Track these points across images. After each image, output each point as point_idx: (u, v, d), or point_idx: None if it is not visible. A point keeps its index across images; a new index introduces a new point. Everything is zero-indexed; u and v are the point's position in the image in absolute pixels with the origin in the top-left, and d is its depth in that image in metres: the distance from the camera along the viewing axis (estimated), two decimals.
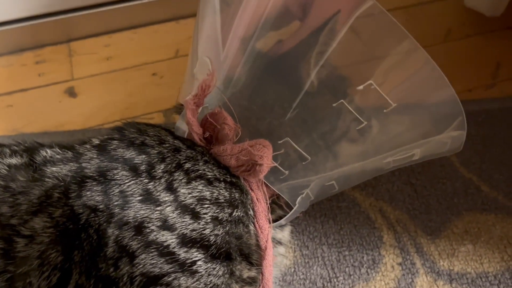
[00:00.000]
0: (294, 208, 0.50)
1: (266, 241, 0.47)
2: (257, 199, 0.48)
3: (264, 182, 0.49)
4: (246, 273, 0.45)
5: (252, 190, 0.48)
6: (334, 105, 0.44)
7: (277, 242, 0.53)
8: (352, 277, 0.61)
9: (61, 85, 0.82)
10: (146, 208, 0.42)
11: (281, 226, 0.54)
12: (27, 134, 0.74)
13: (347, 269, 0.61)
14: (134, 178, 0.44)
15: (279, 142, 0.46)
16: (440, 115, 0.47)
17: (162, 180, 0.44)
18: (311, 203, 0.52)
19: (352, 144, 0.49)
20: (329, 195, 0.54)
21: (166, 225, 0.42)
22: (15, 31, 0.85)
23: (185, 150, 0.46)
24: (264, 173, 0.44)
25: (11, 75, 0.84)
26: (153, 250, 0.41)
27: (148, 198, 0.43)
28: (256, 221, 0.47)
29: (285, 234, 0.54)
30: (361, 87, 0.43)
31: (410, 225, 0.66)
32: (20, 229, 0.41)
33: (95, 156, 0.46)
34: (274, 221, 0.51)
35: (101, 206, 0.42)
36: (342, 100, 0.44)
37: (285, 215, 0.51)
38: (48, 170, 0.45)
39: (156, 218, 0.42)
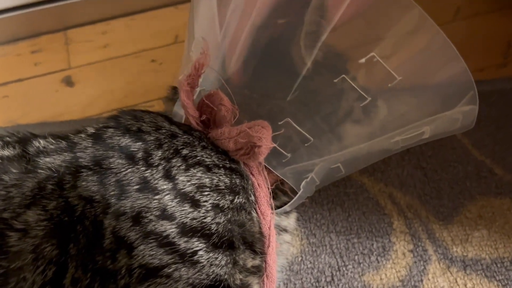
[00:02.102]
0: (299, 193, 0.48)
1: (268, 227, 0.45)
2: (258, 185, 0.46)
3: (267, 167, 0.46)
4: (250, 262, 0.43)
5: (252, 175, 0.46)
6: (335, 80, 0.42)
7: (282, 229, 0.51)
8: (361, 265, 0.58)
9: (58, 74, 0.80)
10: (144, 197, 0.40)
11: (287, 213, 0.52)
12: (23, 125, 0.72)
13: (356, 257, 0.59)
14: (130, 167, 0.42)
15: (279, 123, 0.44)
16: (450, 89, 0.44)
17: (160, 167, 0.42)
18: (316, 188, 0.50)
19: (357, 124, 0.46)
20: (335, 179, 0.52)
21: (165, 215, 0.40)
22: (9, 20, 0.83)
23: (182, 136, 0.44)
24: (264, 155, 0.42)
25: (7, 65, 0.81)
26: (152, 240, 0.39)
27: (146, 186, 0.41)
28: (258, 207, 0.45)
29: (290, 222, 0.52)
30: (363, 60, 0.40)
31: (421, 211, 0.63)
32: (12, 223, 0.39)
33: (90, 145, 0.44)
34: (279, 207, 0.49)
35: (97, 197, 0.40)
36: (344, 75, 0.41)
37: (290, 201, 0.49)
38: (41, 161, 0.43)
39: (155, 208, 0.40)
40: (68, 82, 0.79)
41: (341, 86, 0.43)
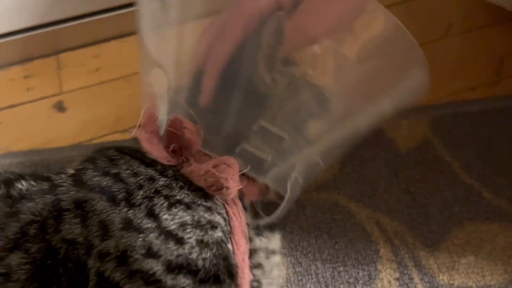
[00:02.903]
0: (287, 196, 0.48)
1: (242, 259, 0.46)
2: (233, 214, 0.47)
3: (250, 177, 0.47)
4: None
5: (228, 204, 0.47)
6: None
7: (270, 252, 0.51)
8: None
9: (49, 99, 0.81)
10: (128, 236, 0.40)
11: (271, 232, 0.52)
12: (15, 152, 0.73)
13: (341, 286, 0.59)
14: (113, 208, 0.42)
15: (254, 129, 0.46)
16: (398, 59, 0.48)
17: (142, 206, 0.42)
18: (301, 188, 0.51)
19: (319, 119, 0.49)
20: (317, 173, 0.55)
21: (150, 253, 0.40)
22: (2, 45, 0.84)
23: (160, 179, 0.45)
24: (233, 194, 0.43)
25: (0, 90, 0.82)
26: (138, 279, 0.39)
27: (130, 226, 0.41)
28: (233, 237, 0.46)
29: (276, 242, 0.53)
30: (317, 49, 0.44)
31: (408, 237, 0.63)
32: None
33: (71, 187, 0.44)
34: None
35: (80, 239, 0.41)
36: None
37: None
38: (24, 206, 0.43)
39: (140, 246, 0.40)
40: (60, 107, 0.80)
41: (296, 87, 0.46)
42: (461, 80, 0.82)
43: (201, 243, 0.42)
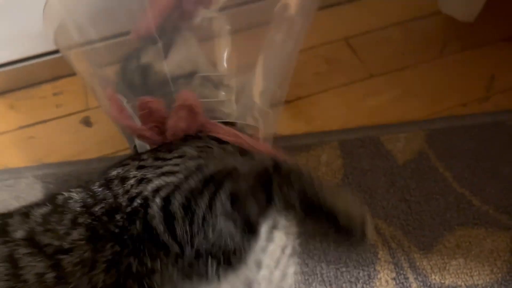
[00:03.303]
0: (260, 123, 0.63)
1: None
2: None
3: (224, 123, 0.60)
4: None
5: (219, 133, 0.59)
6: None
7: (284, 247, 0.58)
8: None
9: (77, 115, 0.89)
10: (143, 171, 0.52)
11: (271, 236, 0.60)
12: (47, 164, 0.81)
13: (344, 285, 0.66)
14: (126, 166, 0.54)
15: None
16: None
17: (149, 158, 0.55)
18: (274, 117, 0.66)
19: None
20: (280, 101, 0.70)
21: (160, 167, 0.52)
22: (34, 65, 0.92)
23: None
24: (200, 107, 0.56)
25: (32, 107, 0.90)
26: (155, 178, 0.50)
27: (142, 167, 0.53)
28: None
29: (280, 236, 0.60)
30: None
31: (404, 241, 0.70)
32: (62, 245, 0.47)
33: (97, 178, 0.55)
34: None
35: (108, 194, 0.51)
36: None
37: None
38: (69, 200, 0.52)
39: (152, 170, 0.52)
40: (87, 122, 0.88)
41: None
42: (454, 97, 0.89)
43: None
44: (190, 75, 0.64)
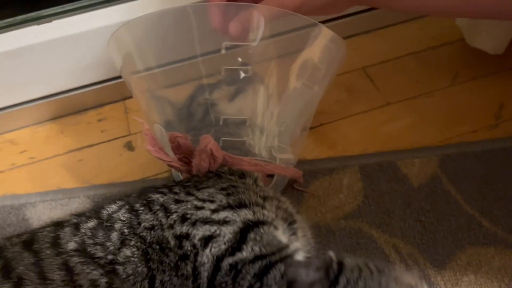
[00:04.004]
0: (277, 161, 0.73)
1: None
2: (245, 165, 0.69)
3: (241, 159, 0.68)
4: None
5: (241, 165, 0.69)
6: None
7: (294, 251, 0.63)
8: None
9: (120, 140, 0.98)
10: (182, 207, 0.60)
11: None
12: (97, 185, 0.90)
13: None
14: (164, 195, 0.63)
15: (220, 123, 0.72)
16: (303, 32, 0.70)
17: (181, 193, 0.63)
18: (295, 155, 0.76)
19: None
20: (301, 141, 0.79)
21: (198, 208, 0.60)
22: (81, 94, 1.01)
23: (186, 182, 0.69)
24: (218, 151, 0.64)
25: (79, 132, 1.00)
26: (199, 224, 0.58)
27: (179, 201, 0.61)
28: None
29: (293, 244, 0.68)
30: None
31: (419, 258, 0.77)
32: (117, 259, 0.56)
33: (136, 197, 0.66)
34: None
35: (154, 222, 0.59)
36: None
37: None
38: (114, 217, 0.62)
39: (191, 208, 0.60)
40: (129, 147, 0.97)
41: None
42: (465, 124, 0.97)
43: (225, 195, 0.62)
44: (242, 123, 0.73)
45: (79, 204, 0.86)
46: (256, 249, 0.55)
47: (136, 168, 0.93)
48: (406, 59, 1.10)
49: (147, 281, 0.55)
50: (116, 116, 1.03)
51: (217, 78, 0.77)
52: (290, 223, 0.66)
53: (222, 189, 0.63)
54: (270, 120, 0.75)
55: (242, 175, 0.69)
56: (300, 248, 0.61)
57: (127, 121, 1.01)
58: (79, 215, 0.64)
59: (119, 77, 1.03)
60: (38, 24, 0.92)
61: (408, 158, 0.91)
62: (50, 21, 0.93)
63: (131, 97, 1.05)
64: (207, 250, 0.55)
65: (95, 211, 0.65)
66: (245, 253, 0.55)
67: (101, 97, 1.04)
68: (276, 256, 0.55)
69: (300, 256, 0.59)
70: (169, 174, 0.91)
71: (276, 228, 0.61)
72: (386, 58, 1.10)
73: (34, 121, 1.02)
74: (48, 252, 0.56)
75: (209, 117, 0.74)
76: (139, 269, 0.56)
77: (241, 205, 0.60)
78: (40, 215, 0.85)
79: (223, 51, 0.70)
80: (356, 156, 0.92)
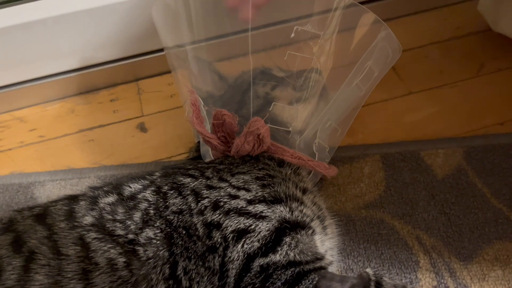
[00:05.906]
0: (316, 158, 0.69)
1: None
2: (281, 154, 0.64)
3: (283, 149, 0.65)
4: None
5: (277, 153, 0.65)
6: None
7: (328, 264, 0.62)
8: None
9: (133, 121, 0.95)
10: (215, 193, 0.56)
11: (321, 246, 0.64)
12: (108, 166, 0.87)
13: None
14: (195, 180, 0.58)
15: (270, 110, 0.67)
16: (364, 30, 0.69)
17: (214, 178, 0.59)
18: (330, 153, 0.72)
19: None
20: (339, 140, 0.75)
21: (232, 196, 0.55)
22: (93, 73, 0.98)
23: (219, 164, 0.64)
24: (268, 137, 0.60)
25: (91, 112, 0.97)
26: (232, 214, 0.53)
27: (211, 187, 0.57)
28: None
29: (328, 256, 0.64)
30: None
31: (444, 252, 0.74)
32: (138, 240, 0.53)
33: (163, 178, 0.61)
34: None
35: (183, 207, 0.55)
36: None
37: None
38: (139, 197, 0.57)
39: (224, 195, 0.55)
40: (142, 128, 0.94)
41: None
42: (491, 115, 0.93)
43: (262, 187, 0.57)
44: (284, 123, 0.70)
45: (89, 184, 0.83)
46: (291, 254, 0.51)
47: (149, 150, 0.90)
48: (429, 48, 1.07)
49: (168, 266, 0.52)
50: (129, 96, 0.99)
51: (275, 63, 0.74)
52: (322, 220, 0.63)
53: (258, 178, 0.59)
54: (317, 116, 0.71)
55: (281, 163, 0.64)
56: (334, 260, 0.58)
57: (140, 102, 0.98)
58: (95, 188, 0.61)
59: (133, 56, 1.00)
60: None
61: (432, 148, 0.87)
62: None
63: (144, 78, 1.02)
64: (239, 246, 0.51)
65: (114, 186, 0.61)
66: (279, 256, 0.51)
67: (113, 77, 1.01)
68: (311, 265, 0.51)
69: (334, 268, 0.56)
70: (195, 145, 0.86)
71: (314, 232, 0.57)
72: (409, 47, 1.06)
73: (44, 99, 0.99)
74: (62, 225, 0.53)
75: (264, 114, 0.68)
76: (161, 252, 0.52)
77: (276, 200, 0.56)
78: (49, 194, 0.82)
79: (293, 35, 0.69)
80: (377, 145, 0.89)
